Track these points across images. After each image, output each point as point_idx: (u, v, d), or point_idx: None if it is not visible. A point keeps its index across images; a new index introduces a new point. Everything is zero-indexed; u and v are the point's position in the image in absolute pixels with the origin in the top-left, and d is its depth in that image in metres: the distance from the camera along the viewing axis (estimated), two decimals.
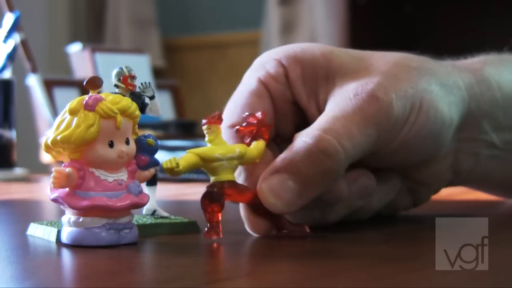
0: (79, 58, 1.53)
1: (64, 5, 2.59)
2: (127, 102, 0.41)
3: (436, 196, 0.54)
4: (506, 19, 1.80)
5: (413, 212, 0.54)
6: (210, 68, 2.54)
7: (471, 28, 1.88)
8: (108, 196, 0.40)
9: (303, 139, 0.44)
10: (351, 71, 0.48)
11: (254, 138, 0.44)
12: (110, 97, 0.41)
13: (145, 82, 0.44)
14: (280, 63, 0.49)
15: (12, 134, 0.99)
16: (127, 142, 0.41)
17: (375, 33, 1.96)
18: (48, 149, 0.41)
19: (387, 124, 0.46)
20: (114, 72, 0.43)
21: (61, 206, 0.42)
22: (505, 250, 0.41)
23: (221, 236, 0.42)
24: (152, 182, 0.45)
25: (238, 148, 0.43)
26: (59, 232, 0.42)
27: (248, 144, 0.44)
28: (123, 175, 0.41)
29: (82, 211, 0.41)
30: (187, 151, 0.43)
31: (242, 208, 0.45)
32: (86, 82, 0.42)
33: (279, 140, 0.49)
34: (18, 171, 0.99)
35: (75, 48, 1.55)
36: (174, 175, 0.42)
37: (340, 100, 0.46)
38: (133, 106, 0.41)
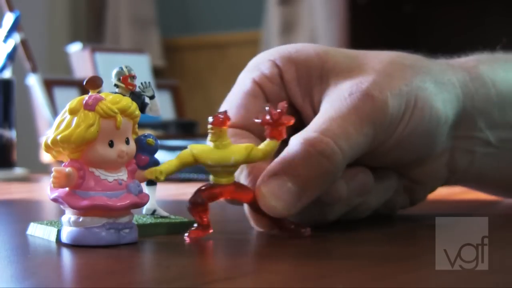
0: (79, 58, 1.53)
1: (64, 5, 2.59)
2: (127, 101, 0.41)
3: (436, 196, 0.54)
4: (506, 19, 1.80)
5: (412, 212, 0.54)
6: (210, 68, 2.54)
7: (471, 28, 1.87)
8: (108, 196, 0.40)
9: (300, 141, 0.43)
10: (345, 70, 0.47)
11: (269, 136, 0.42)
12: (110, 96, 0.41)
13: (145, 82, 0.44)
14: (275, 64, 0.49)
15: (12, 134, 0.99)
16: (127, 142, 0.41)
17: (375, 33, 1.95)
18: (48, 148, 0.41)
19: (383, 123, 0.46)
20: (114, 71, 0.43)
21: (61, 206, 0.42)
22: (505, 250, 0.41)
23: (210, 231, 0.43)
24: (152, 181, 0.45)
25: (234, 156, 0.42)
26: (59, 232, 0.42)
27: (267, 136, 0.42)
28: (123, 175, 0.41)
29: (82, 211, 0.41)
30: (189, 145, 0.43)
31: (246, 206, 0.45)
32: (86, 82, 0.42)
33: None
34: (18, 171, 0.99)
35: (75, 48, 1.55)
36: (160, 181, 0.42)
37: (335, 100, 0.46)
38: (133, 106, 0.41)
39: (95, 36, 2.59)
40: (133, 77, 0.42)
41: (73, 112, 0.40)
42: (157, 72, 1.99)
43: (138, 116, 0.42)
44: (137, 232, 0.42)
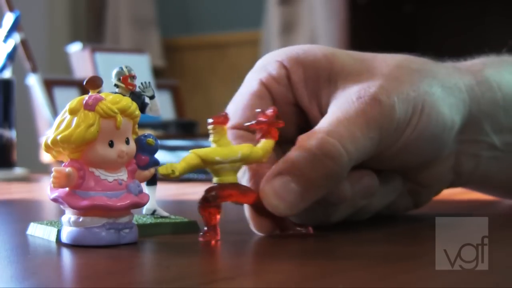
0: (79, 58, 1.53)
1: (64, 5, 2.59)
2: (127, 101, 0.41)
3: (436, 196, 0.54)
4: (506, 19, 1.80)
5: (413, 212, 0.54)
6: (210, 68, 2.54)
7: (471, 28, 1.88)
8: (108, 196, 0.40)
9: (306, 141, 0.44)
10: (353, 73, 0.48)
11: (264, 136, 0.44)
12: (110, 96, 0.41)
13: (145, 82, 0.44)
14: (282, 65, 0.49)
15: (12, 134, 0.99)
16: (127, 142, 0.41)
17: (375, 33, 1.95)
18: (48, 149, 0.41)
19: (390, 127, 0.46)
20: (114, 71, 0.43)
21: (61, 206, 0.42)
22: (505, 250, 0.41)
23: (218, 238, 0.42)
24: (152, 182, 0.45)
25: (241, 151, 0.43)
26: (59, 232, 0.42)
27: (258, 140, 0.44)
28: (123, 175, 0.41)
29: (82, 211, 0.41)
30: (190, 151, 0.43)
31: (246, 209, 0.45)
32: (86, 82, 0.42)
33: (281, 141, 0.49)
34: (18, 171, 0.99)
35: (75, 48, 1.55)
36: (172, 178, 0.42)
37: (343, 103, 0.46)
38: (133, 106, 0.41)
39: (95, 36, 2.59)
40: (133, 77, 0.42)
41: (73, 112, 0.40)
42: (157, 72, 1.99)
43: (138, 116, 0.42)
44: (137, 232, 0.42)
